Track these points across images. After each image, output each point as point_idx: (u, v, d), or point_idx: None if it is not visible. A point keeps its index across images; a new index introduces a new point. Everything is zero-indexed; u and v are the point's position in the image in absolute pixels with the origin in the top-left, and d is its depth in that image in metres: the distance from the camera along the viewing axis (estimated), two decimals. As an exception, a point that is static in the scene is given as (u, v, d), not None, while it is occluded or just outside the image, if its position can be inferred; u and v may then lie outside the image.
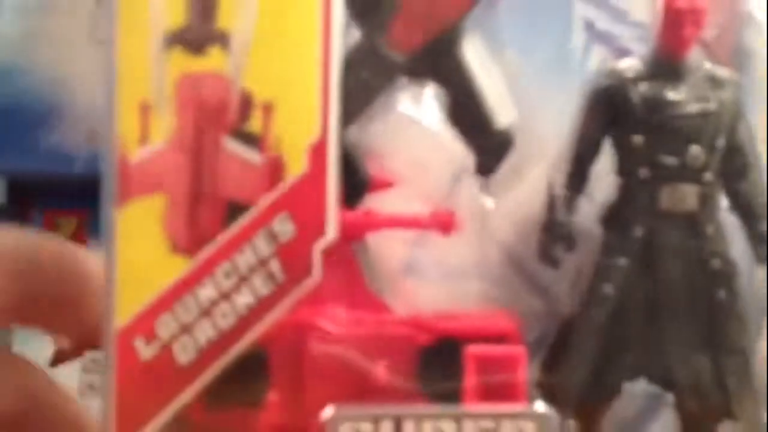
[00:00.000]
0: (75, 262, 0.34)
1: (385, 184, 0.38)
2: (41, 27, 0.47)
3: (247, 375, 0.33)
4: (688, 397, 0.36)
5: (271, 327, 0.33)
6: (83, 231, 0.52)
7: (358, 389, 0.35)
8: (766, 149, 0.37)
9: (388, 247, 0.38)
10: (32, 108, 0.49)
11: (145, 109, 0.31)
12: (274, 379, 0.34)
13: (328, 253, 0.33)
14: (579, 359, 0.35)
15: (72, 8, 0.47)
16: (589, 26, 0.38)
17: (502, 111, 0.37)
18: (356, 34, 0.36)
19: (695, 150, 0.35)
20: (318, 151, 0.31)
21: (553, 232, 0.36)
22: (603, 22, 0.38)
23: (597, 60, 0.37)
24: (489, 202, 0.37)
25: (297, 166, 0.31)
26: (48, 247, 0.34)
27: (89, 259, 0.34)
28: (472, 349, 0.33)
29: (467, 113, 0.37)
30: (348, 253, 0.37)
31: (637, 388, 0.37)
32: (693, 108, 0.36)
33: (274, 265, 0.31)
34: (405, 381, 0.35)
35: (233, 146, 0.31)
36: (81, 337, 0.34)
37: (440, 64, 0.36)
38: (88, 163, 0.45)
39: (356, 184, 0.36)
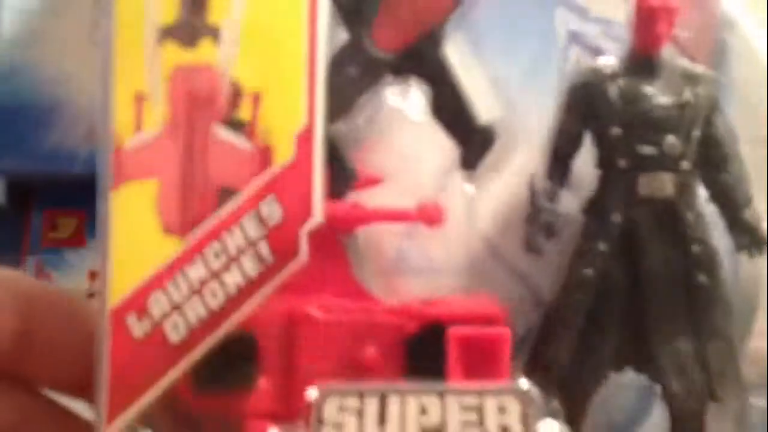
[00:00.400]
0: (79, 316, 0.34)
1: (373, 181, 0.39)
2: (41, 27, 0.48)
3: (237, 359, 0.34)
4: (671, 380, 0.37)
5: (263, 315, 0.34)
6: (83, 231, 0.52)
7: (349, 376, 0.35)
8: (766, 147, 0.38)
9: (377, 240, 0.39)
10: (32, 108, 0.49)
11: (139, 100, 0.33)
12: (265, 366, 0.35)
13: (319, 245, 0.34)
14: (562, 340, 0.36)
15: (72, 8, 0.48)
16: (570, 31, 0.39)
17: (484, 108, 0.38)
18: (343, 34, 0.37)
19: (671, 139, 0.37)
20: (304, 139, 0.33)
21: (537, 222, 0.37)
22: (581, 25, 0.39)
23: (576, 59, 0.39)
24: (470, 188, 0.38)
25: (284, 153, 0.32)
26: (51, 296, 0.35)
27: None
28: (455, 331, 0.34)
29: (450, 110, 0.38)
30: (337, 245, 0.38)
31: (630, 383, 0.38)
32: (668, 100, 0.37)
33: (263, 247, 0.32)
34: (394, 368, 0.36)
35: (223, 134, 0.33)
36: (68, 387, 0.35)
37: (423, 63, 0.38)
38: (88, 163, 0.46)
39: (343, 177, 0.37)
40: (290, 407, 0.35)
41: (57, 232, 0.52)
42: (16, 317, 0.33)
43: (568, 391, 0.36)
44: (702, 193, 0.38)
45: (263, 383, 0.35)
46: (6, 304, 0.33)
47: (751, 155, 0.38)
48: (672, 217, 0.37)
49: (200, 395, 0.34)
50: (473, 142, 0.38)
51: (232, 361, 0.34)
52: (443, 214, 0.37)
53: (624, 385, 0.38)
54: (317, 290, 0.36)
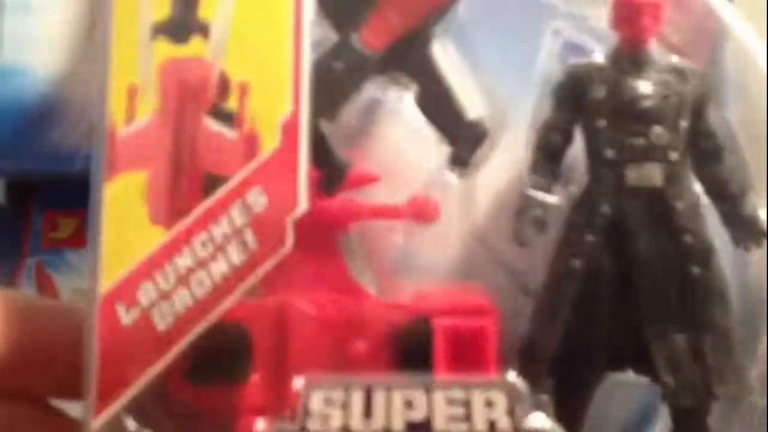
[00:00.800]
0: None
1: (370, 179, 0.39)
2: (41, 27, 0.49)
3: (232, 354, 0.35)
4: (665, 375, 0.36)
5: (257, 310, 0.34)
6: (83, 231, 0.53)
7: (339, 372, 0.36)
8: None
9: (371, 236, 0.39)
10: (32, 108, 0.50)
11: (132, 92, 0.34)
12: (257, 361, 0.35)
13: (311, 241, 0.34)
14: (550, 333, 0.36)
15: (71, 9, 0.48)
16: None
17: (472, 105, 0.38)
18: (329, 32, 0.38)
19: (658, 129, 0.37)
20: (290, 128, 0.33)
21: (527, 216, 0.37)
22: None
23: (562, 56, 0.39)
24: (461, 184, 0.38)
25: (271, 142, 0.33)
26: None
27: None
28: (440, 322, 0.34)
29: (438, 107, 0.38)
30: (330, 240, 0.38)
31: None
32: (653, 91, 0.37)
33: (248, 235, 0.33)
34: (384, 362, 0.36)
35: (212, 123, 0.33)
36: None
37: (410, 61, 0.38)
38: (88, 163, 0.46)
39: (336, 174, 0.38)
40: (281, 402, 0.35)
41: (57, 232, 0.53)
42: (13, 335, 0.34)
43: (565, 389, 0.36)
44: (697, 185, 0.37)
45: (255, 378, 0.35)
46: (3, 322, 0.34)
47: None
48: (661, 208, 0.37)
49: (193, 388, 0.35)
50: (463, 138, 0.38)
51: (226, 355, 0.35)
52: (437, 210, 0.37)
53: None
54: (310, 286, 0.37)
